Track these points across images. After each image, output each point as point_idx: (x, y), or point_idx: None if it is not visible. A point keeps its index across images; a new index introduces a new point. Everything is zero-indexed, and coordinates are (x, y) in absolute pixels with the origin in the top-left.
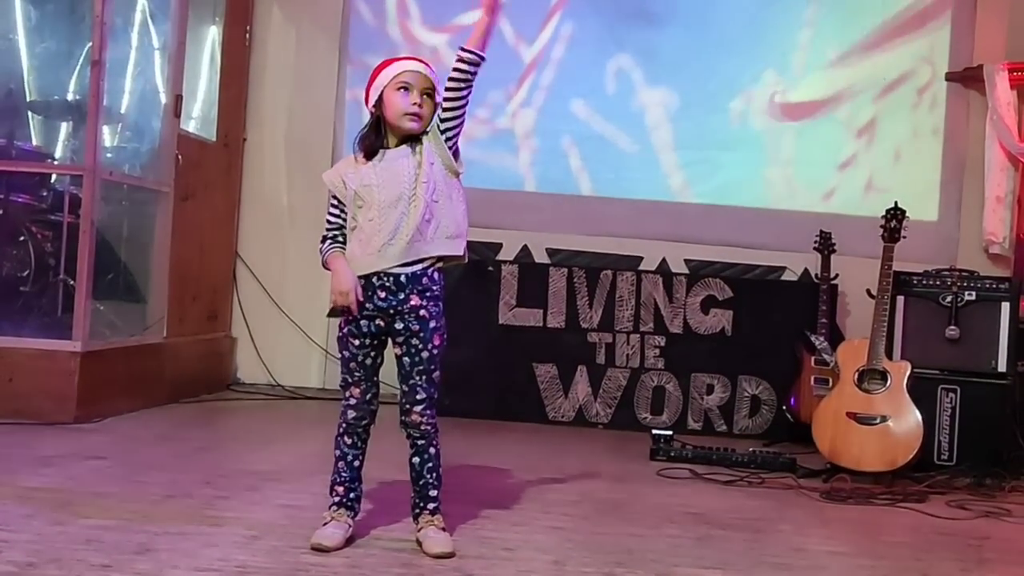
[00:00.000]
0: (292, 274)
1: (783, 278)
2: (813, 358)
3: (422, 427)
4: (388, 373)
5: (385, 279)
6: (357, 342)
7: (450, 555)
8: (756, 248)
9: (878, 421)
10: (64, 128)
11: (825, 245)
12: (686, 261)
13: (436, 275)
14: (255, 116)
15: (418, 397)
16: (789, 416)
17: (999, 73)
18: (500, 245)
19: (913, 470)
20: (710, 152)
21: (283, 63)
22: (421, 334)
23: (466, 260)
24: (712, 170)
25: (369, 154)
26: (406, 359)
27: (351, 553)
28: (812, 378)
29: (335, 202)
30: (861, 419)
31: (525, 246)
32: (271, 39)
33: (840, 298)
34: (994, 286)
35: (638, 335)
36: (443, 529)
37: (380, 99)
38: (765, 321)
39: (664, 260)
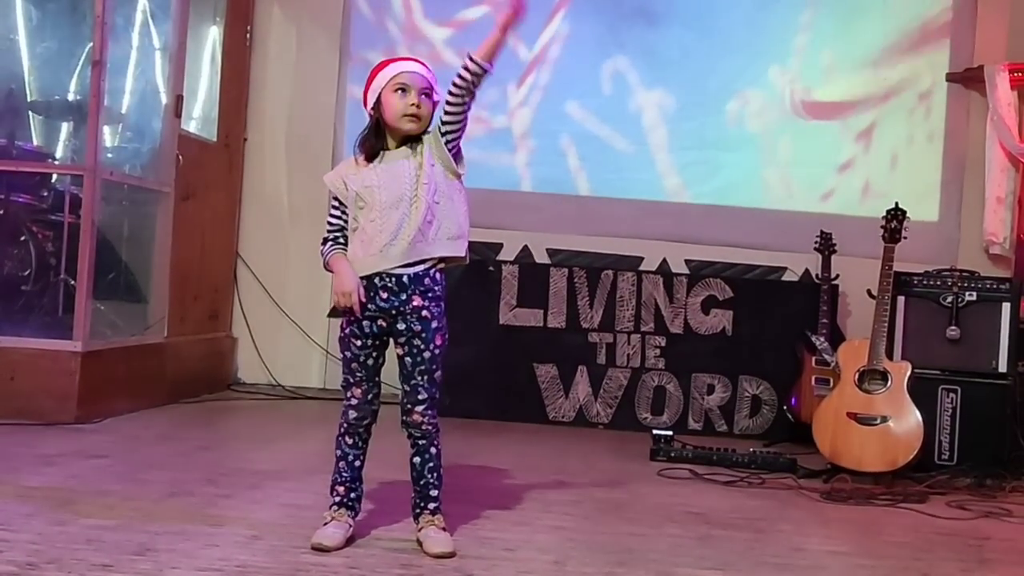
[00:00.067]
0: (293, 274)
1: (784, 278)
2: (814, 358)
3: (423, 427)
4: (389, 373)
5: (387, 280)
6: (359, 342)
7: (451, 555)
8: (757, 248)
9: (879, 421)
10: (65, 128)
11: (826, 245)
12: (687, 261)
13: (438, 275)
14: (256, 116)
15: (419, 397)
16: (790, 416)
17: (1000, 74)
18: (501, 245)
19: (914, 470)
20: (711, 152)
21: (284, 63)
22: (423, 334)
23: (468, 261)
24: (713, 170)
25: (370, 156)
26: (408, 359)
27: (351, 553)
28: (813, 378)
29: (336, 203)
30: (862, 419)
31: (526, 246)
32: (272, 39)
33: (841, 298)
34: (995, 286)
35: (639, 335)
36: (444, 529)
37: (378, 101)
38: (766, 321)
39: (665, 260)
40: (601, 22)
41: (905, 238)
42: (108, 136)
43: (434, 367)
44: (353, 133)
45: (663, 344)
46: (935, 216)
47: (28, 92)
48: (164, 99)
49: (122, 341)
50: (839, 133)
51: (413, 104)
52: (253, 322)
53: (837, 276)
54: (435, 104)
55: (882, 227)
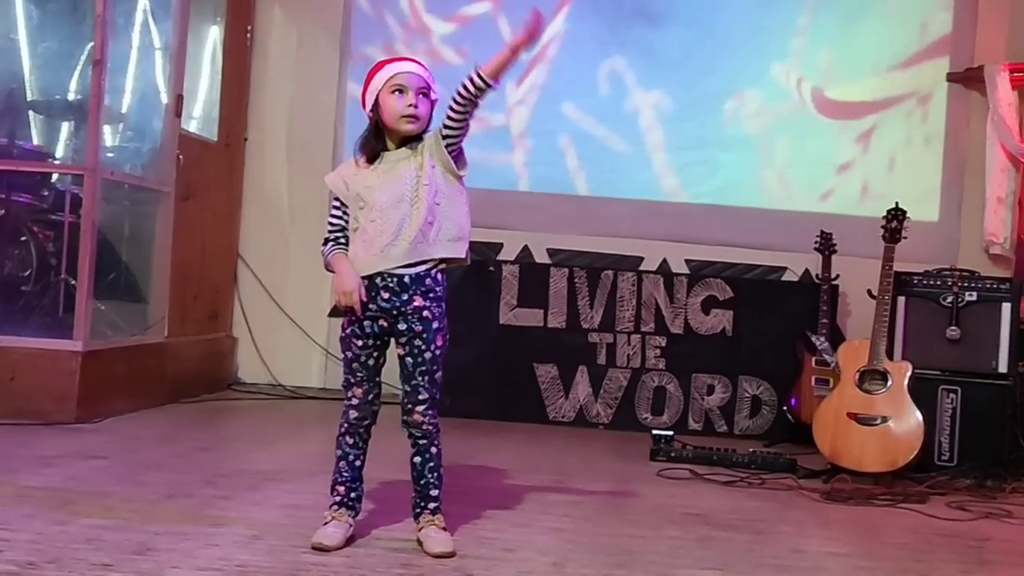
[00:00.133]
0: (293, 274)
1: (784, 278)
2: (814, 358)
3: (424, 427)
4: (390, 373)
5: (389, 280)
6: (360, 343)
7: (451, 555)
8: (757, 248)
9: (879, 422)
10: (65, 128)
11: (826, 245)
12: (687, 261)
13: (439, 276)
14: (256, 116)
15: (420, 397)
16: (790, 416)
17: (1000, 74)
18: (501, 245)
19: (914, 471)
20: (711, 152)
21: (284, 63)
22: (424, 335)
23: (468, 262)
24: (713, 170)
25: (370, 158)
26: (409, 359)
27: (352, 553)
28: (813, 378)
29: (337, 204)
30: (862, 420)
31: (526, 246)
32: (272, 38)
33: (841, 298)
34: (995, 287)
35: (639, 335)
36: (444, 529)
37: (376, 103)
38: (766, 321)
39: (665, 260)
40: (601, 22)
41: (905, 238)
42: (108, 136)
43: (435, 367)
44: (354, 133)
45: (663, 344)
46: (935, 216)
47: (28, 91)
48: (165, 99)
49: (122, 341)
50: (840, 133)
51: (411, 105)
52: (253, 322)
53: (837, 276)
54: (433, 103)
55: (882, 227)
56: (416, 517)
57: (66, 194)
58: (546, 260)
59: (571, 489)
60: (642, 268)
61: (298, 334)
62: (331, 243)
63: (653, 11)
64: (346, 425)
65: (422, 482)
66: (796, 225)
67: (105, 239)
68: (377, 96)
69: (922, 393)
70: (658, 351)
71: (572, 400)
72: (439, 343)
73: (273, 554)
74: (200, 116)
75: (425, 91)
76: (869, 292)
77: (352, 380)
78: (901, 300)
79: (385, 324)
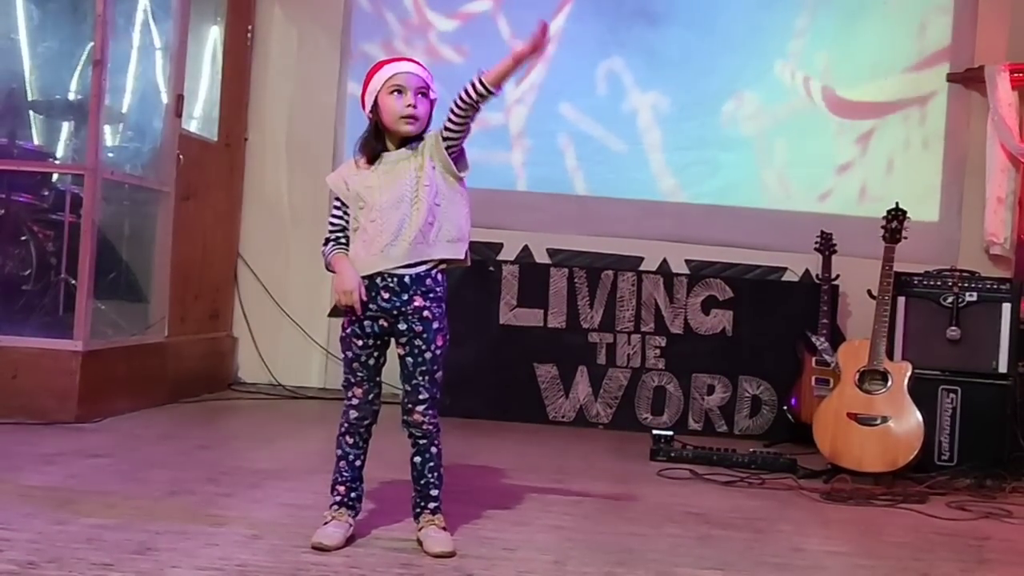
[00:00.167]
0: (293, 274)
1: (784, 278)
2: (814, 358)
3: (424, 427)
4: (390, 373)
5: (389, 280)
6: (360, 342)
7: (451, 554)
8: (757, 248)
9: (879, 422)
10: (66, 127)
11: (826, 246)
12: (687, 261)
13: (439, 276)
14: (257, 116)
15: (420, 397)
16: (790, 417)
17: (1000, 74)
18: (501, 245)
19: (914, 471)
20: (711, 152)
21: (285, 62)
22: (424, 335)
23: (468, 263)
24: (713, 170)
25: (370, 159)
26: (409, 359)
27: (352, 552)
28: (813, 379)
29: (338, 204)
30: (862, 420)
31: (526, 246)
32: (273, 38)
33: (841, 299)
34: (995, 287)
35: (639, 335)
36: (444, 529)
37: (375, 104)
38: (766, 321)
39: (665, 260)
40: (601, 22)
41: (905, 238)
42: (109, 136)
43: (435, 367)
44: (354, 133)
45: (663, 344)
46: (936, 216)
47: (29, 91)
48: (165, 99)
49: (123, 340)
50: (840, 133)
51: (409, 105)
52: (254, 322)
53: (837, 276)
54: (433, 103)
55: (882, 227)
56: (416, 517)
57: (66, 194)
58: (546, 260)
59: (571, 488)
60: (642, 268)
61: (298, 334)
62: (332, 243)
63: (653, 11)
64: (346, 425)
65: (422, 482)
66: (796, 225)
67: (105, 239)
68: (376, 97)
69: (922, 393)
70: (658, 351)
71: (572, 400)
72: (439, 343)
73: (273, 554)
74: (200, 116)
75: (424, 91)
76: (869, 292)
77: (352, 380)
78: (901, 300)
79: (385, 324)
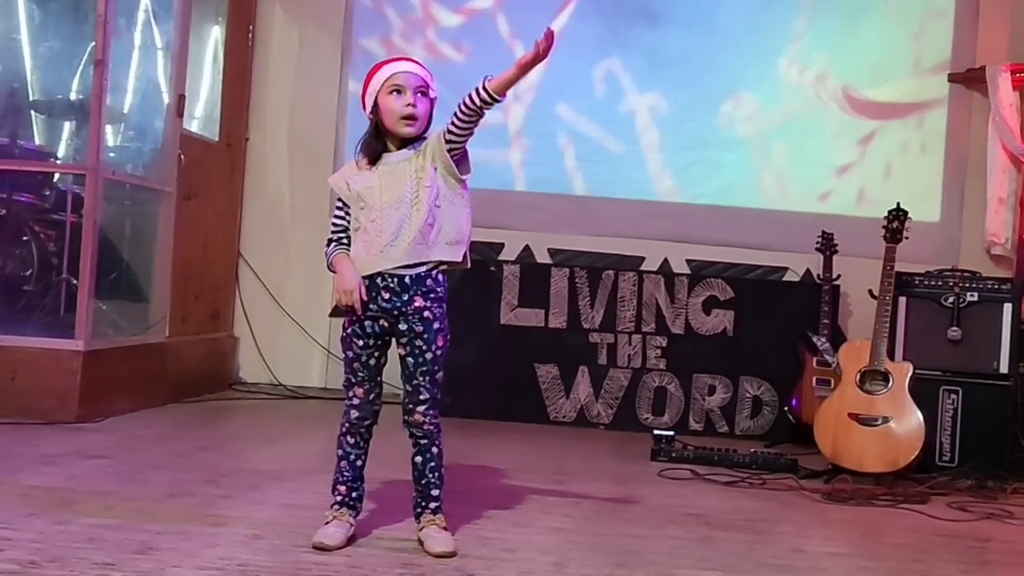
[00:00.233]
0: (294, 274)
1: (785, 279)
2: (815, 359)
3: (425, 427)
4: (391, 373)
5: (390, 280)
6: (361, 342)
7: (451, 555)
8: (758, 248)
9: (880, 422)
10: (67, 127)
11: (827, 246)
12: (688, 261)
13: (440, 277)
14: (258, 116)
15: (421, 397)
16: (791, 417)
17: (1001, 74)
18: (502, 245)
19: (915, 471)
20: (712, 152)
21: (286, 62)
22: (425, 335)
23: (468, 266)
24: (714, 171)
25: (371, 160)
26: (410, 360)
27: (352, 552)
28: (814, 379)
29: (340, 204)
30: (863, 420)
31: (527, 246)
32: (274, 38)
33: (842, 299)
34: (996, 287)
35: (640, 335)
36: (445, 529)
37: (376, 104)
38: (767, 322)
39: (666, 260)
40: (601, 22)
41: (907, 238)
42: (110, 135)
43: (436, 368)
44: (355, 133)
45: (664, 344)
46: (937, 216)
47: (30, 91)
48: (166, 98)
49: (124, 340)
50: (841, 134)
51: (409, 104)
52: (254, 322)
53: (838, 276)
54: (433, 101)
55: (884, 227)
56: (417, 517)
57: (68, 194)
58: (547, 260)
59: (571, 489)
60: (643, 268)
61: (299, 334)
62: (334, 243)
63: (653, 11)
64: (347, 425)
65: (423, 482)
66: (797, 225)
67: (107, 239)
68: (376, 97)
69: (923, 393)
70: (659, 351)
71: (573, 400)
72: (440, 343)
73: (274, 553)
74: (201, 116)
75: (423, 89)
76: (870, 292)
77: (353, 380)
78: (902, 300)
79: (386, 324)
